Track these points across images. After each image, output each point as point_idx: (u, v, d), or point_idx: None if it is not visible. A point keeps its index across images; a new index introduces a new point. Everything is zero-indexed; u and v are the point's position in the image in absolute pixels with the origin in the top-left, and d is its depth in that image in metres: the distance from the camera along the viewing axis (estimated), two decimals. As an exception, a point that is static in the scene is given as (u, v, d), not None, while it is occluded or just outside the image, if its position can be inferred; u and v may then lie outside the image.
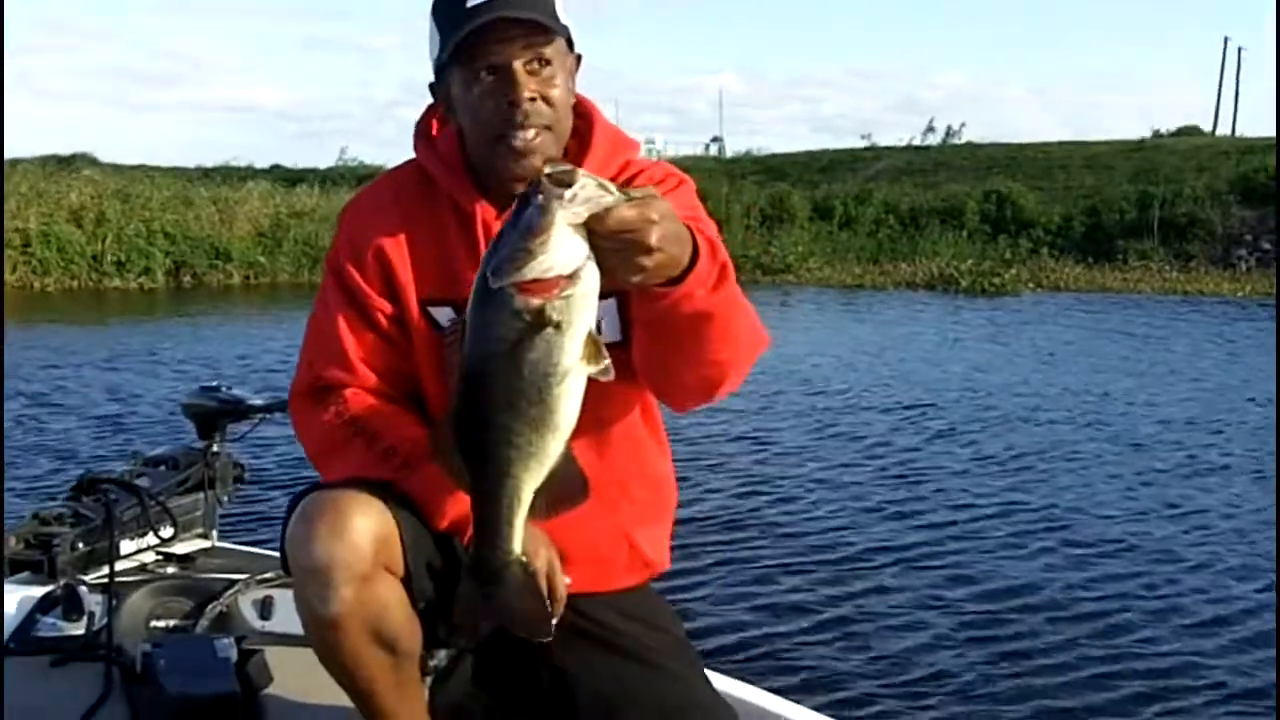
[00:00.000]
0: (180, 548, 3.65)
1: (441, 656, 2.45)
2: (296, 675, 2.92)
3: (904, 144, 47.57)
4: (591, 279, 1.74)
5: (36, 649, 3.17)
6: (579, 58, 2.28)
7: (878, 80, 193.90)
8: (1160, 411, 11.94)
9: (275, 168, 43.45)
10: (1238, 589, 6.36)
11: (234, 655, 2.97)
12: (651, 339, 2.08)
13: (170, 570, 3.55)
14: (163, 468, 3.74)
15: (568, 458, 1.84)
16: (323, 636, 2.11)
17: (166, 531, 3.60)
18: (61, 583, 3.27)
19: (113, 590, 3.27)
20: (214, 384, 3.92)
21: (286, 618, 3.13)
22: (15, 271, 24.03)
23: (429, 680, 2.42)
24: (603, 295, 2.14)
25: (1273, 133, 37.62)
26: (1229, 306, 24.58)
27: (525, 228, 1.70)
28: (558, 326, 1.72)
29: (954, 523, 7.61)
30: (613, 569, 2.36)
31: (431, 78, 2.28)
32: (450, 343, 1.87)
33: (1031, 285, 27.68)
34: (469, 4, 2.12)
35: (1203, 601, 6.15)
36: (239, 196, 28.38)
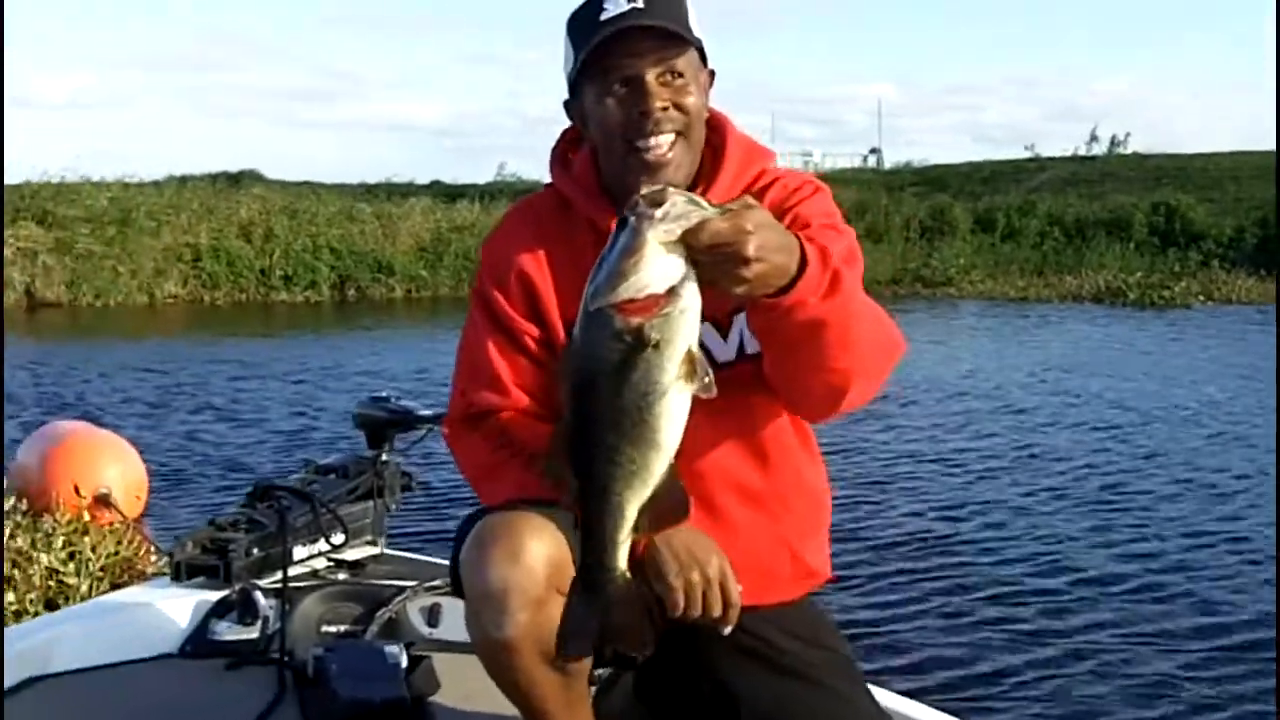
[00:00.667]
0: (350, 554, 3.70)
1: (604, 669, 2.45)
2: (464, 682, 2.94)
3: (1068, 154, 46.61)
4: (690, 296, 1.75)
5: (212, 652, 3.24)
6: (712, 73, 2.27)
7: (1036, 88, 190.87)
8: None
9: (435, 183, 44.12)
10: None
11: (403, 661, 3.00)
12: (770, 349, 2.08)
13: (340, 576, 3.61)
14: (333, 476, 3.81)
15: (671, 475, 1.83)
16: (496, 659, 2.12)
17: (337, 538, 3.66)
18: (237, 587, 3.34)
19: (286, 595, 3.33)
20: (383, 394, 3.98)
21: (454, 625, 3.14)
22: (186, 285, 24.90)
23: (593, 690, 2.41)
24: (734, 310, 2.15)
25: None
26: None
27: (621, 249, 1.73)
28: (657, 345, 1.73)
29: (1164, 552, 7.13)
30: (776, 580, 2.33)
31: (567, 94, 2.29)
32: (560, 364, 1.87)
33: (1201, 298, 26.82)
34: (603, 16, 2.13)
35: None
36: (401, 212, 28.95)
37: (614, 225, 2.19)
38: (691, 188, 2.13)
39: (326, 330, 20.79)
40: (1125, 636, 5.72)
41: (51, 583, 5.29)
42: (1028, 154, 47.38)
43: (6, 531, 5.60)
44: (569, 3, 2.23)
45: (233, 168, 42.67)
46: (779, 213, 2.07)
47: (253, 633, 3.27)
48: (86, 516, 6.35)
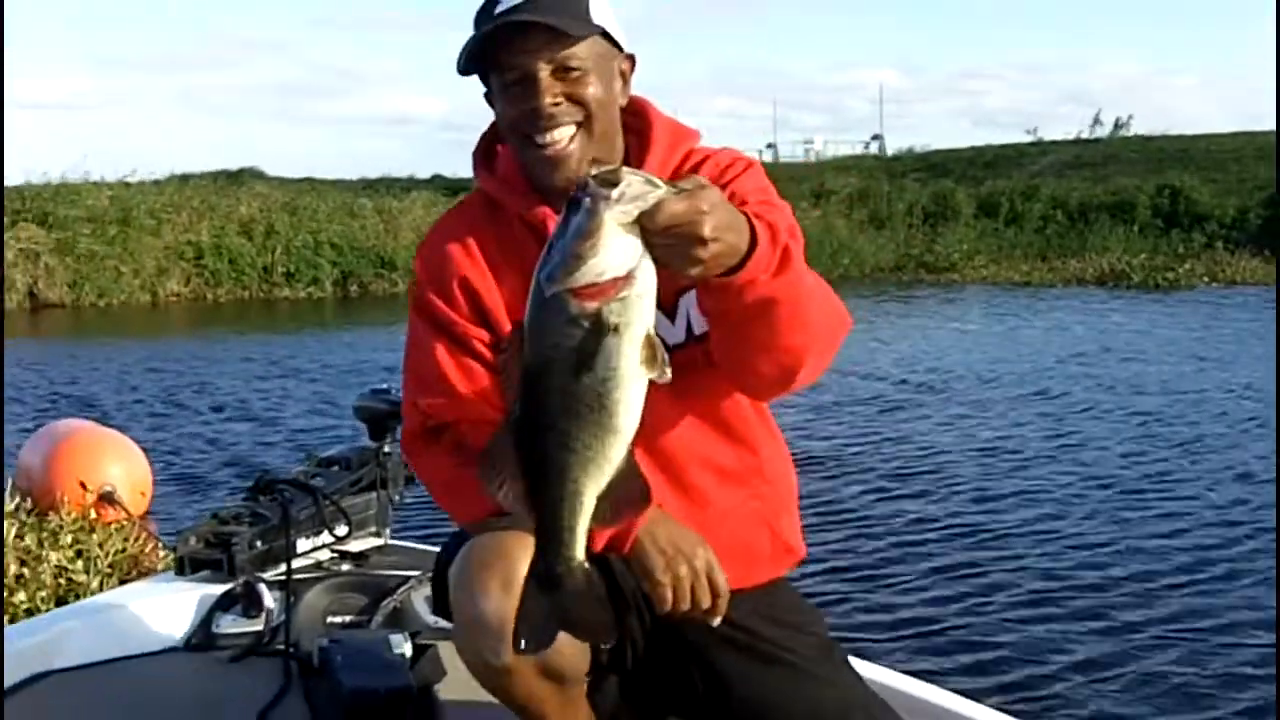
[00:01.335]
0: (354, 545, 3.70)
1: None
2: (469, 670, 2.93)
3: (1071, 138, 46.48)
4: (647, 278, 1.69)
5: (217, 644, 3.25)
6: (632, 59, 2.24)
7: (1041, 73, 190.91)
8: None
9: (436, 178, 44.03)
10: None
11: (408, 650, 3.01)
12: (721, 330, 2.05)
13: (345, 567, 3.61)
14: (336, 468, 3.81)
15: (629, 462, 1.77)
16: (496, 683, 2.14)
17: (341, 530, 3.66)
18: (241, 580, 3.35)
19: (290, 587, 3.33)
20: (384, 387, 3.98)
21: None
22: (188, 284, 24.91)
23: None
24: (678, 291, 2.12)
25: None
26: None
27: (575, 231, 1.65)
28: (616, 329, 1.67)
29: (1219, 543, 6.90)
30: (758, 560, 2.33)
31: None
32: (508, 353, 1.82)
33: (1206, 279, 26.76)
34: (496, 10, 2.12)
35: None
36: (402, 207, 28.96)
37: (545, 216, 2.17)
38: None
39: (328, 326, 20.79)
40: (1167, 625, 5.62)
41: (61, 580, 5.30)
42: (1030, 138, 47.29)
43: (13, 531, 5.61)
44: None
45: (233, 165, 42.61)
46: None
47: (258, 625, 3.28)
48: (92, 514, 6.37)
